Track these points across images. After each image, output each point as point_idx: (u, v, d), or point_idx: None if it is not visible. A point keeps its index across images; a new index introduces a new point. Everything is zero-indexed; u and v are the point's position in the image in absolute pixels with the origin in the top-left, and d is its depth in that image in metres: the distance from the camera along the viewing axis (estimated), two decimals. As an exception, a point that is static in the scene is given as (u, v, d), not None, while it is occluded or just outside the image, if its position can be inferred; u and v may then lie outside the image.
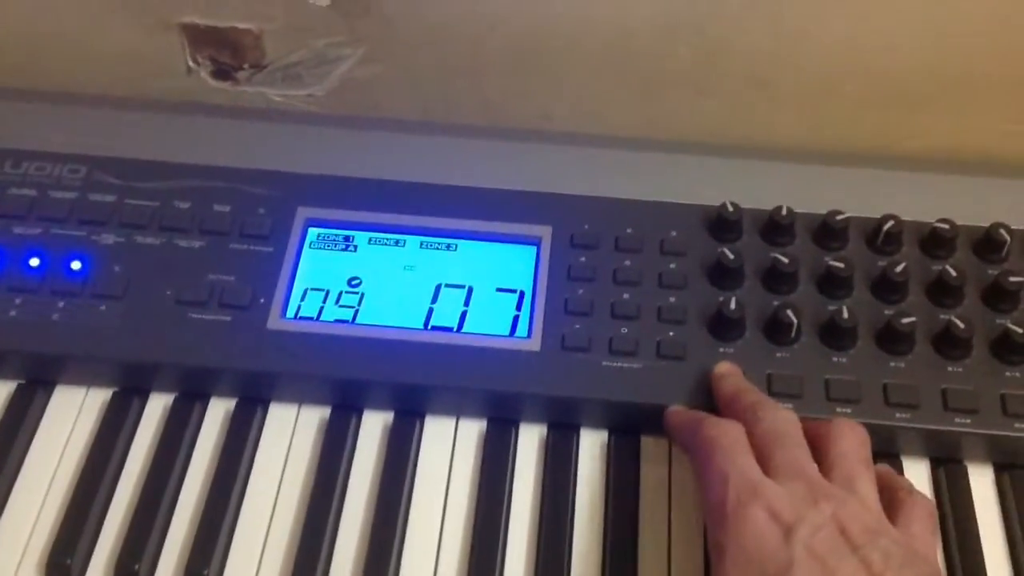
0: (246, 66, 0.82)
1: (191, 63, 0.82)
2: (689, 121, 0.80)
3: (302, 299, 0.69)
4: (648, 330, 0.67)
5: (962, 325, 0.66)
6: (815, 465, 0.57)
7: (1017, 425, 0.64)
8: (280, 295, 0.68)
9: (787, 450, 0.57)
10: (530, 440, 0.67)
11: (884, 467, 0.61)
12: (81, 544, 0.60)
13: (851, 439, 0.59)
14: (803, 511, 0.53)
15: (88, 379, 0.68)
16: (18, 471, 0.64)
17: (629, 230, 0.72)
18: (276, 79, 0.83)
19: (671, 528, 0.63)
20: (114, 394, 0.67)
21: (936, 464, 0.66)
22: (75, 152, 0.74)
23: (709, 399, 0.65)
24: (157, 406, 0.67)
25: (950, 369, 0.66)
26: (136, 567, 0.59)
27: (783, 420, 0.59)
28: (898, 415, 0.64)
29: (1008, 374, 0.66)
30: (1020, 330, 0.66)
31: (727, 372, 0.65)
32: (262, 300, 0.68)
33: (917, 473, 0.65)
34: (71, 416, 0.66)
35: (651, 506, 0.64)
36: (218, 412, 0.67)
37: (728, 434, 0.58)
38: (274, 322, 0.67)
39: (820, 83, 0.77)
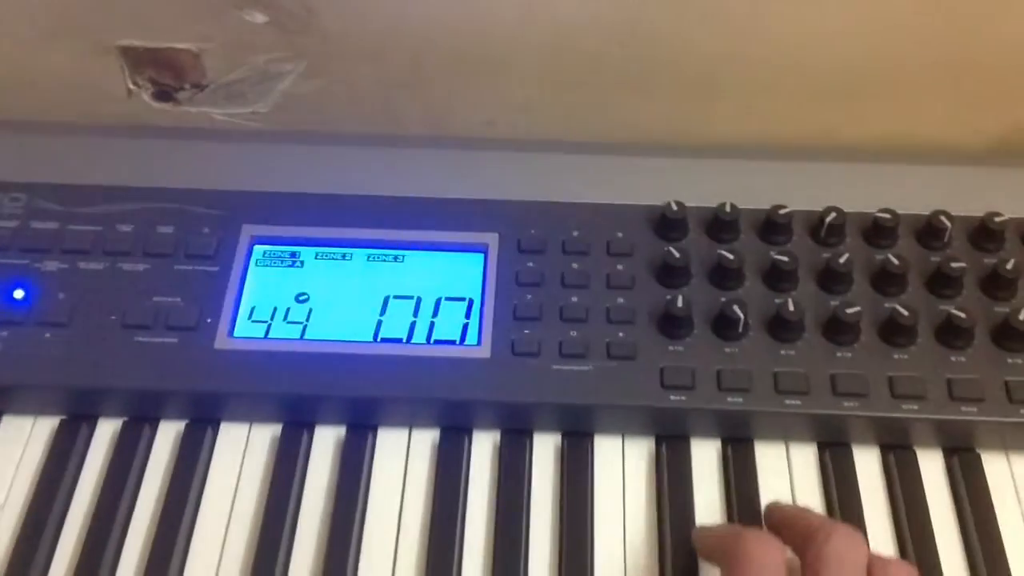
0: (187, 86, 0.82)
1: (131, 86, 0.82)
2: (631, 123, 0.80)
3: (249, 317, 0.69)
4: (598, 332, 0.68)
5: (906, 313, 0.66)
6: None
7: (964, 409, 0.65)
8: (227, 314, 0.68)
9: None
10: (484, 447, 0.67)
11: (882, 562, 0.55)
12: (34, 570, 0.60)
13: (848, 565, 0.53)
14: None
15: (35, 408, 0.67)
16: (-33, 503, 0.64)
17: (575, 233, 0.72)
18: (218, 98, 0.83)
19: (625, 527, 0.63)
20: (62, 421, 0.67)
21: (886, 451, 0.66)
22: (15, 180, 0.74)
23: (659, 397, 0.65)
24: (106, 431, 0.67)
25: (896, 357, 0.67)
26: (89, 593, 0.59)
27: (851, 550, 0.53)
28: (846, 404, 0.65)
29: (953, 359, 0.66)
30: (963, 315, 0.66)
31: (779, 504, 0.61)
32: (209, 320, 0.68)
33: (869, 461, 0.66)
34: (20, 445, 0.66)
35: (605, 507, 0.64)
36: (168, 434, 0.67)
37: (765, 553, 0.53)
38: (221, 342, 0.67)
39: (759, 80, 0.78)
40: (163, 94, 0.83)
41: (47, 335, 0.67)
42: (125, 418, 0.67)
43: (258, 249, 0.72)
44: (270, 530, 0.62)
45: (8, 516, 0.63)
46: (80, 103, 0.82)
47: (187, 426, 0.66)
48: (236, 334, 0.68)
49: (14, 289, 0.68)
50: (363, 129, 0.83)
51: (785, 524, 0.56)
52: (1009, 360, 0.66)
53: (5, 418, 0.67)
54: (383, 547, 0.62)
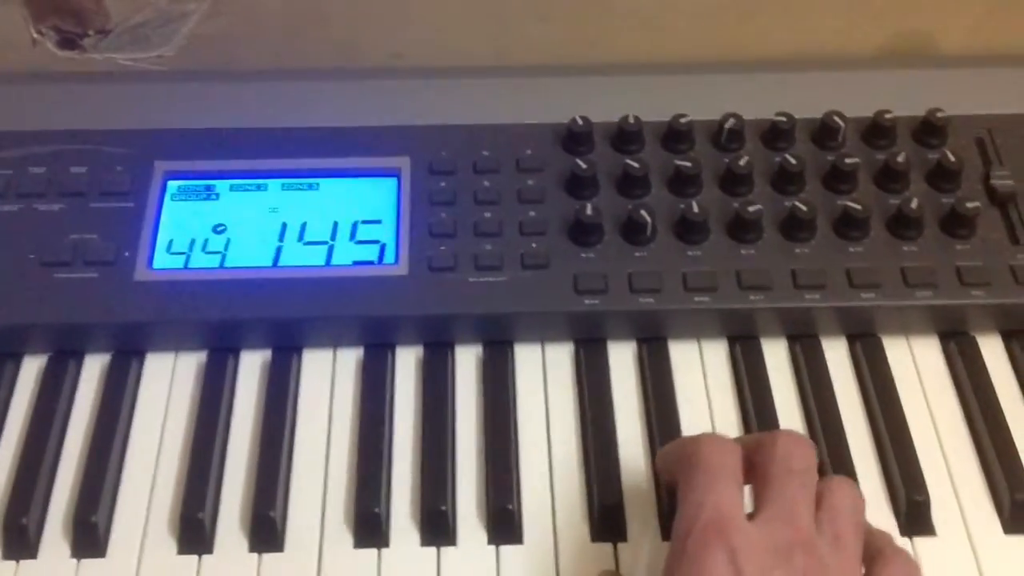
0: (91, 32, 0.82)
1: (35, 35, 0.82)
2: (532, 45, 0.82)
3: (167, 249, 0.69)
4: (511, 244, 0.69)
5: (805, 208, 0.69)
6: (812, 509, 0.51)
7: (863, 295, 0.68)
8: (144, 247, 0.69)
9: (790, 489, 0.51)
10: (407, 362, 0.68)
11: (875, 530, 0.56)
12: (-34, 505, 0.61)
13: (848, 498, 0.53)
14: (770, 567, 0.48)
15: (-42, 347, 0.67)
16: None
17: (485, 153, 0.74)
18: (123, 42, 0.83)
19: (549, 431, 0.65)
20: (-14, 360, 0.67)
21: (793, 341, 0.69)
22: (-77, 128, 0.73)
23: (574, 302, 0.67)
24: (32, 367, 0.67)
25: (797, 251, 0.69)
26: (24, 520, 0.60)
27: (800, 455, 0.53)
28: (752, 298, 0.67)
29: (852, 250, 0.69)
30: (859, 207, 0.69)
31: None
32: (127, 254, 0.68)
33: (776, 352, 0.69)
34: (-56, 385, 0.66)
35: (528, 411, 0.66)
36: (94, 368, 0.67)
37: (718, 454, 0.52)
38: (141, 274, 0.68)
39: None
40: (67, 41, 0.82)
41: (-35, 276, 0.67)
42: (50, 353, 0.67)
43: (172, 184, 0.72)
44: (200, 456, 0.63)
45: (-63, 453, 0.63)
46: (-16, 53, 0.82)
47: (112, 358, 0.67)
48: (155, 266, 0.68)
49: (-72, 233, 0.68)
50: (270, 65, 0.83)
51: (748, 444, 0.55)
52: (904, 248, 0.69)
53: (-72, 359, 0.67)
54: (313, 465, 0.64)
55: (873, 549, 0.53)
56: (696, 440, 0.54)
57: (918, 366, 0.69)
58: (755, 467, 0.53)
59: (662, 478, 0.61)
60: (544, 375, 0.68)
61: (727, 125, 0.73)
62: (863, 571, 0.52)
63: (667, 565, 0.50)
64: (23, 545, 0.60)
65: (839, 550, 0.50)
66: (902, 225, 0.70)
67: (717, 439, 0.54)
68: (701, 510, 0.50)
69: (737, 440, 0.55)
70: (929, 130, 0.74)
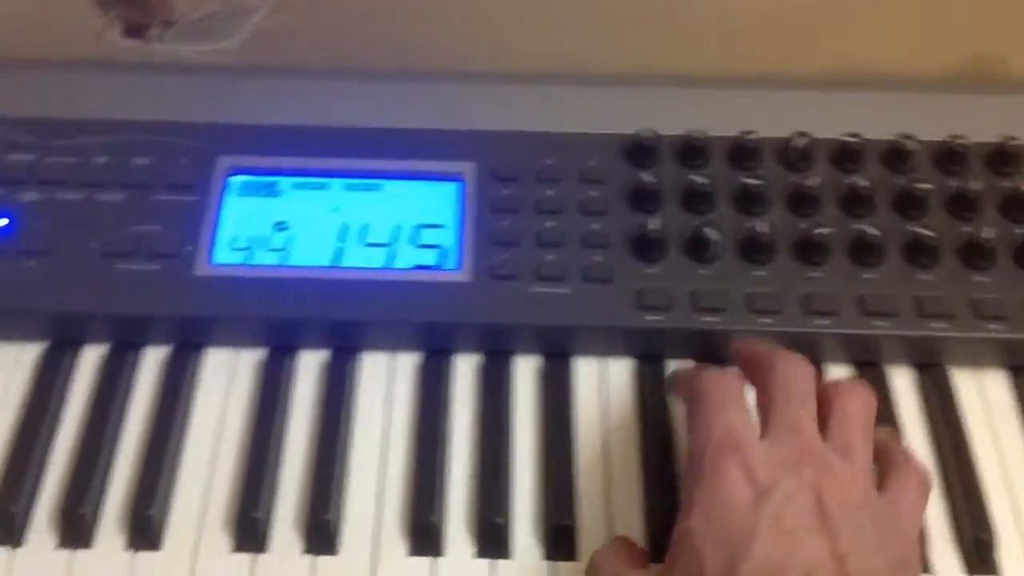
0: (156, 23, 0.82)
1: (101, 24, 0.82)
2: (600, 52, 0.81)
3: (229, 245, 0.69)
4: (573, 256, 0.69)
5: (875, 233, 0.68)
6: (815, 425, 0.54)
7: (933, 325, 0.67)
8: (206, 242, 0.68)
9: (790, 407, 0.54)
10: (465, 369, 0.68)
11: (885, 431, 0.58)
12: (24, 491, 0.60)
13: (857, 402, 0.55)
14: (781, 475, 0.50)
15: (20, 334, 0.67)
16: (-47, 429, 0.64)
17: (549, 161, 0.73)
18: (188, 34, 0.82)
19: (606, 448, 0.65)
20: (47, 348, 0.67)
21: (857, 368, 0.68)
22: (-10, 113, 0.74)
23: (635, 318, 0.66)
24: (91, 357, 0.67)
25: (866, 276, 0.68)
26: (81, 511, 0.59)
27: (795, 376, 0.55)
28: (817, 322, 0.66)
29: (922, 277, 0.68)
30: (931, 234, 0.68)
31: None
32: (189, 248, 0.68)
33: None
34: (5, 371, 0.66)
35: (585, 426, 0.65)
36: (153, 360, 0.67)
37: (722, 384, 0.55)
38: (202, 268, 0.67)
39: (724, 13, 0.79)
40: (132, 31, 0.82)
41: (29, 263, 0.67)
42: (110, 344, 0.67)
43: (235, 179, 0.72)
44: (257, 454, 0.63)
45: (-4, 440, 0.63)
46: (50, 42, 0.81)
47: (172, 351, 0.67)
48: (216, 261, 0.68)
49: (-4, 218, 0.69)
50: (335, 62, 0.83)
51: (745, 362, 0.59)
52: (975, 278, 0.68)
53: (-9, 345, 0.67)
54: (368, 468, 0.63)
55: (885, 458, 0.55)
56: (698, 371, 0.58)
57: (987, 399, 0.67)
58: (758, 391, 0.56)
59: (676, 393, 0.64)
60: (603, 390, 0.67)
61: (796, 143, 0.73)
62: (875, 477, 0.53)
63: (686, 484, 0.53)
64: (79, 535, 0.59)
65: (849, 459, 0.52)
66: (974, 254, 0.68)
67: (717, 372, 0.57)
68: (712, 431, 0.53)
69: (746, 359, 0.58)
70: (1003, 158, 0.73)
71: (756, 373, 0.57)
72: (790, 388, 0.55)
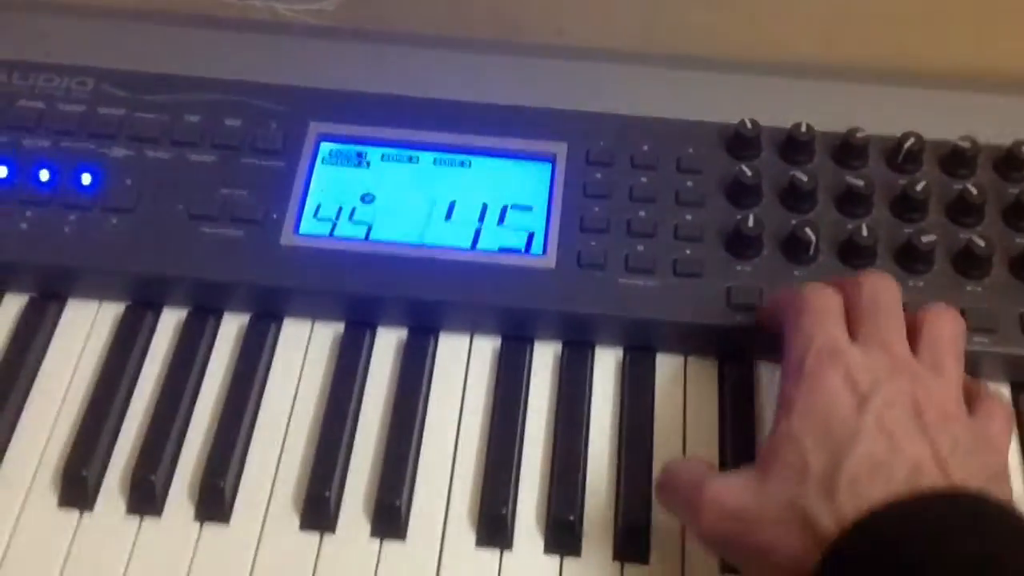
0: (255, -22, 0.81)
1: (199, -24, 0.81)
2: (702, 36, 0.78)
3: (315, 215, 0.68)
4: (665, 248, 0.67)
5: (982, 243, 0.65)
6: (906, 341, 0.55)
7: (1036, 342, 0.64)
8: (293, 211, 0.68)
9: (880, 320, 0.55)
10: (544, 357, 0.66)
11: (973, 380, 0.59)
12: (96, 456, 0.60)
13: (948, 326, 0.57)
14: (881, 382, 0.52)
15: (100, 292, 0.67)
16: (32, 383, 0.64)
17: (645, 147, 0.71)
18: (285, -8, 0.81)
19: (685, 445, 0.63)
20: (127, 308, 0.67)
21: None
22: (82, 64, 0.73)
23: (724, 316, 0.64)
24: (170, 320, 0.67)
25: (969, 288, 0.65)
26: (152, 477, 0.59)
27: (884, 289, 0.57)
28: (913, 332, 0.64)
29: (1029, 292, 0.65)
30: (1041, 248, 0.65)
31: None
32: (275, 215, 0.67)
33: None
34: (84, 329, 0.66)
35: (665, 423, 0.64)
36: (231, 327, 0.66)
37: (822, 298, 0.57)
38: (287, 238, 0.67)
39: (838, 1, 0.76)
40: (231, -15, 0.81)
41: (114, 221, 0.66)
42: (189, 308, 0.67)
43: (324, 147, 0.71)
44: (331, 426, 0.62)
45: (72, 399, 0.63)
46: (146, -8, 0.81)
47: (251, 319, 0.66)
48: (301, 231, 0.67)
49: (82, 173, 0.68)
50: (430, 30, 0.81)
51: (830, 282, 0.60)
52: (1083, 294, 0.65)
53: (71, 302, 0.67)
54: (442, 450, 0.62)
55: (972, 389, 0.56)
56: (798, 289, 0.58)
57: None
58: (848, 309, 0.57)
59: (762, 323, 0.63)
60: (684, 388, 0.65)
61: (906, 145, 0.69)
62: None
63: (784, 389, 0.54)
64: (149, 502, 0.59)
65: (939, 375, 0.54)
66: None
67: (817, 285, 0.58)
68: (812, 340, 0.54)
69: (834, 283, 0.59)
70: None
71: (845, 290, 0.57)
72: (878, 302, 0.56)
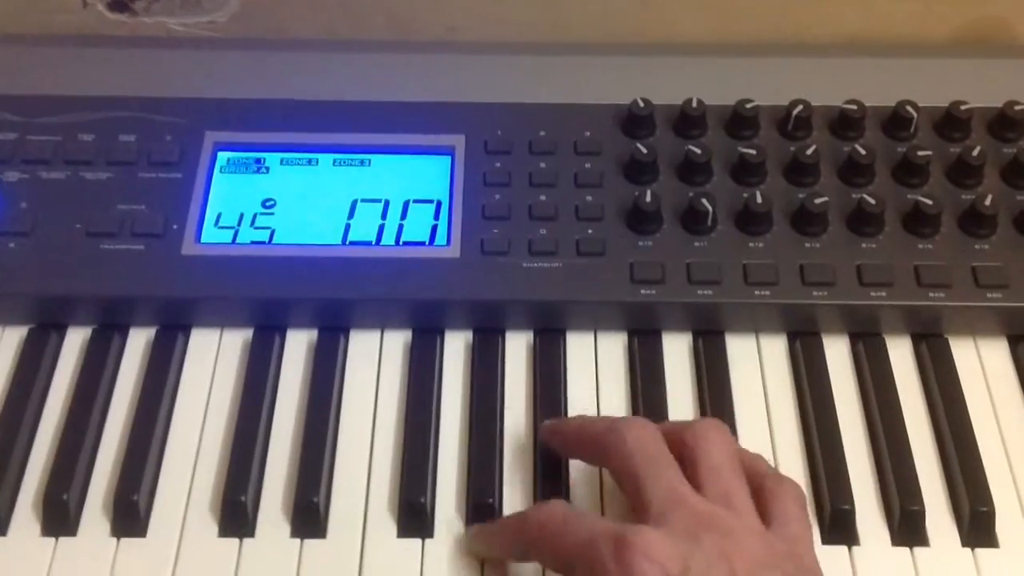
0: (143, -5, 0.80)
1: (87, -5, 0.80)
2: (592, 21, 0.79)
3: (216, 223, 0.68)
4: (567, 229, 0.67)
5: (873, 202, 0.67)
6: (688, 484, 0.52)
7: (932, 295, 0.65)
8: (193, 221, 0.67)
9: (658, 476, 0.52)
10: (456, 347, 0.67)
11: (745, 454, 0.56)
12: (7, 479, 0.59)
13: (720, 447, 0.54)
14: (688, 555, 0.48)
15: (3, 317, 0.66)
16: (-64, 412, 0.63)
17: (542, 133, 0.72)
18: (175, 7, 0.81)
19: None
20: (31, 330, 0.66)
21: (855, 339, 0.67)
22: (-28, 91, 0.72)
23: (629, 292, 0.65)
24: (76, 339, 0.66)
25: (864, 246, 0.67)
26: (64, 497, 0.58)
27: (645, 440, 0.54)
28: (815, 293, 0.65)
29: (921, 247, 0.67)
30: (930, 203, 0.67)
31: (558, 421, 0.61)
32: (175, 227, 0.67)
33: (838, 350, 0.66)
34: (-13, 355, 0.65)
35: (579, 402, 0.64)
36: (139, 341, 0.66)
37: (645, 430, 0.54)
38: (188, 248, 0.66)
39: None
40: (119, 4, 0.81)
41: (11, 245, 0.66)
42: (95, 325, 0.66)
43: (222, 156, 0.71)
44: (244, 434, 0.62)
45: (-21, 425, 0.62)
46: (34, 15, 0.80)
47: (157, 332, 0.66)
48: (203, 240, 0.67)
49: (-25, 200, 0.67)
50: (323, 35, 0.81)
51: (576, 441, 0.58)
52: (976, 246, 0.67)
53: (-28, 327, 0.66)
54: (358, 446, 0.62)
55: (756, 483, 0.54)
56: (614, 424, 0.55)
57: (985, 370, 0.66)
58: (612, 471, 0.55)
59: (558, 448, 0.60)
60: (596, 366, 0.66)
61: (794, 112, 0.71)
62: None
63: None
64: (63, 522, 0.58)
65: (733, 508, 0.51)
66: (974, 223, 0.67)
67: (636, 419, 0.56)
68: (595, 535, 0.50)
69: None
70: (1006, 123, 0.71)
71: (601, 453, 0.55)
72: (647, 456, 0.53)
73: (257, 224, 0.68)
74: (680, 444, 0.54)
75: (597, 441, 0.55)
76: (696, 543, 0.49)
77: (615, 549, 0.48)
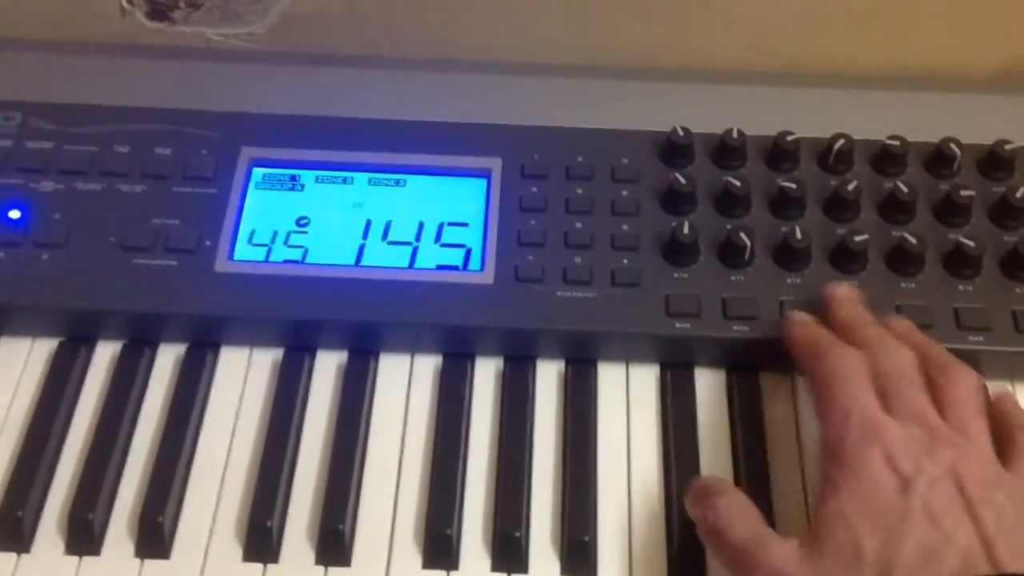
0: (182, 4, 0.80)
1: (125, 4, 0.80)
2: (632, 46, 0.79)
3: (249, 240, 0.68)
4: (602, 258, 0.67)
5: (914, 241, 0.66)
6: (934, 409, 0.55)
7: (971, 338, 0.64)
8: (226, 237, 0.67)
9: (907, 391, 0.56)
10: (486, 374, 0.66)
11: (999, 397, 0.58)
12: (33, 495, 0.59)
13: (968, 386, 0.57)
14: (922, 461, 0.52)
15: (33, 329, 0.66)
16: (-36, 424, 0.63)
17: (580, 159, 0.71)
18: (214, 17, 0.81)
19: (630, 455, 0.63)
20: (61, 343, 0.66)
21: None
22: (9, 99, 0.72)
23: (664, 324, 0.64)
24: (105, 354, 0.66)
25: (903, 285, 0.66)
26: (90, 516, 0.58)
27: (903, 360, 0.57)
28: (852, 333, 0.64)
29: (961, 288, 0.66)
30: (972, 244, 0.66)
31: (844, 297, 0.63)
32: (208, 243, 0.67)
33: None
34: (18, 367, 0.65)
35: (609, 434, 0.64)
36: (168, 358, 0.66)
37: (852, 367, 0.57)
38: (221, 265, 0.66)
39: (764, 7, 0.76)
40: (158, 12, 0.81)
41: (44, 256, 0.65)
42: (124, 341, 0.66)
43: (257, 172, 0.71)
44: (272, 454, 0.61)
45: (7, 439, 0.62)
46: (73, 22, 0.80)
47: (187, 349, 0.66)
48: (236, 257, 0.67)
49: (10, 209, 0.67)
50: (362, 51, 0.81)
51: (840, 331, 0.60)
52: (1017, 290, 0.66)
53: (3, 340, 0.66)
54: (385, 473, 0.62)
55: (1002, 430, 0.56)
56: (828, 355, 0.58)
57: (1024, 414, 0.65)
58: (874, 376, 0.56)
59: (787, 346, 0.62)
60: (627, 398, 0.65)
61: (836, 146, 0.70)
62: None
63: (826, 466, 0.54)
64: (87, 542, 0.58)
65: (969, 438, 0.54)
66: (1016, 265, 0.66)
67: (844, 352, 0.58)
68: (848, 416, 0.54)
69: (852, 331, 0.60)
70: (1050, 163, 0.70)
71: (869, 354, 0.58)
72: (901, 373, 0.56)
73: (291, 242, 0.68)
74: (933, 377, 0.57)
75: (863, 339, 0.59)
76: (931, 453, 0.52)
77: (861, 432, 0.53)
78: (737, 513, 0.55)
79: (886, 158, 0.70)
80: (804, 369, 0.60)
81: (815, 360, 0.58)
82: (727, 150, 0.71)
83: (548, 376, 0.66)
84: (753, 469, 0.62)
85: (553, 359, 0.66)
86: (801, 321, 0.62)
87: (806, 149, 0.71)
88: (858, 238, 0.66)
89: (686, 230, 0.66)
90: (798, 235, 0.66)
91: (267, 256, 0.67)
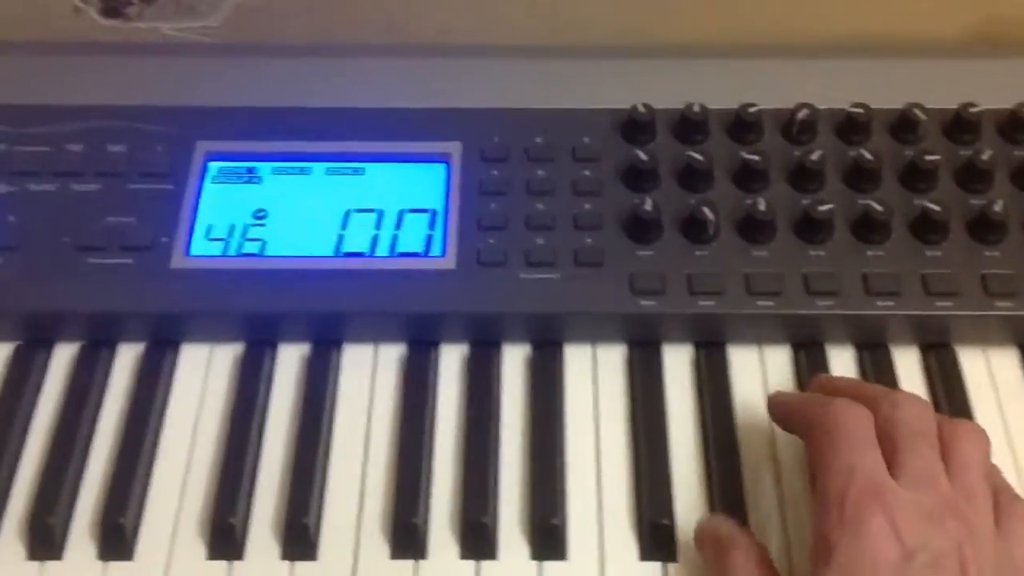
0: (135, 0, 0.79)
1: (78, 2, 0.79)
2: (591, 23, 0.77)
3: (207, 235, 0.67)
4: (565, 239, 0.66)
5: (880, 208, 0.65)
6: (944, 473, 0.52)
7: (939, 304, 0.63)
8: (183, 233, 0.66)
9: (921, 453, 0.52)
10: (451, 360, 0.65)
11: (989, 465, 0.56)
12: (-9, 499, 0.59)
13: (978, 449, 0.54)
14: (928, 534, 0.49)
15: (-12, 333, 0.65)
16: (-79, 433, 0.62)
17: (539, 140, 0.70)
18: (168, 12, 0.80)
19: (598, 436, 0.62)
20: (17, 347, 0.65)
21: (861, 350, 0.65)
22: (-42, 102, 0.71)
23: (629, 303, 0.63)
24: (64, 355, 0.65)
25: (870, 254, 0.65)
26: (51, 520, 0.57)
27: (920, 417, 0.54)
28: (820, 303, 0.63)
29: (929, 254, 0.65)
30: (939, 209, 0.65)
31: (840, 378, 0.62)
32: (164, 240, 0.66)
33: (844, 361, 0.65)
34: (-28, 373, 0.64)
35: (577, 416, 0.63)
36: (127, 358, 0.65)
37: (856, 420, 0.53)
38: (178, 261, 0.65)
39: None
40: (111, 9, 0.80)
41: (-2, 259, 0.65)
42: (83, 342, 0.65)
43: (213, 166, 0.70)
44: (234, 451, 0.61)
45: (-35, 444, 0.61)
46: (24, 21, 0.79)
47: (147, 348, 0.65)
48: (193, 253, 0.66)
49: (-39, 214, 0.66)
50: (319, 39, 0.80)
51: (847, 392, 0.56)
52: (986, 253, 0.65)
53: (-42, 345, 0.65)
54: (351, 464, 0.61)
55: (995, 498, 0.53)
56: (832, 407, 0.54)
57: (995, 379, 0.64)
58: (880, 433, 0.53)
59: (777, 422, 0.60)
60: (595, 379, 0.65)
61: (799, 116, 0.69)
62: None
63: (822, 532, 0.50)
64: (49, 546, 0.57)
65: (974, 504, 0.51)
66: (984, 229, 0.65)
67: (849, 404, 0.54)
68: (853, 475, 0.50)
69: (853, 396, 0.55)
70: (1017, 125, 0.69)
71: (877, 410, 0.54)
72: (916, 431, 0.53)
73: (249, 236, 0.67)
74: (939, 433, 0.54)
75: (869, 396, 0.55)
76: (938, 525, 0.49)
77: (864, 492, 0.50)
78: (742, 548, 0.54)
79: (850, 126, 0.69)
80: (799, 424, 0.57)
81: (817, 411, 0.55)
82: (689, 124, 0.70)
83: (514, 360, 0.65)
84: (722, 444, 0.61)
85: (519, 343, 0.66)
86: (778, 393, 0.60)
87: (769, 120, 0.70)
88: (822, 208, 0.65)
89: (649, 207, 0.65)
90: (762, 207, 0.65)
91: (225, 251, 0.66)
